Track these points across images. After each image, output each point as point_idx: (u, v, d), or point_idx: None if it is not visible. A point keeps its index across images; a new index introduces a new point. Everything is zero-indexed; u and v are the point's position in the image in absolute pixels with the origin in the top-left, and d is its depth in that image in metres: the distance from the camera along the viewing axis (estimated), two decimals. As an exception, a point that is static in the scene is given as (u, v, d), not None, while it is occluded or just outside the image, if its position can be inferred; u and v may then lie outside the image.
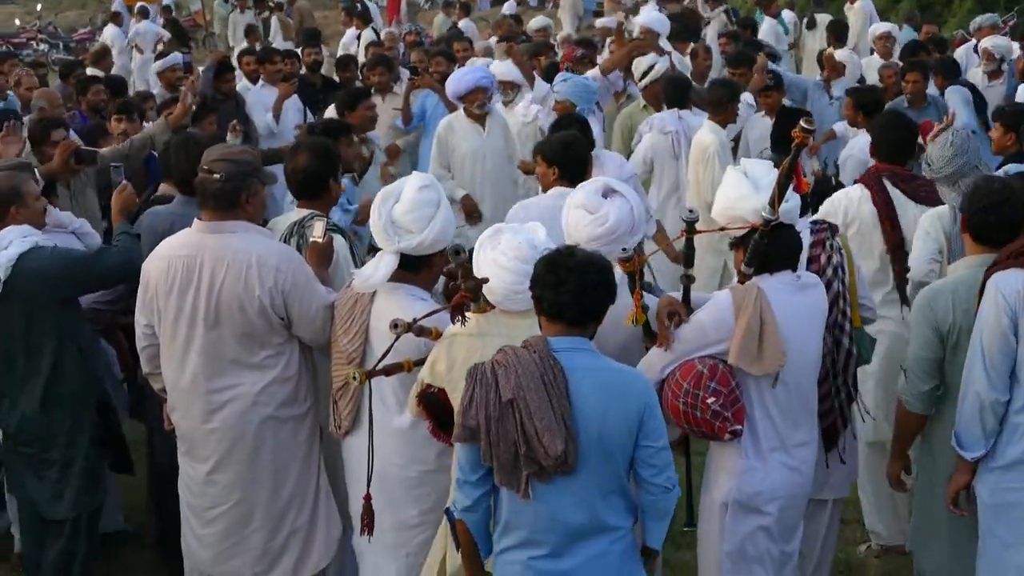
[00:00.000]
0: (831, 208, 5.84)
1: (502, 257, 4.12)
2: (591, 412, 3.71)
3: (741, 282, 4.49)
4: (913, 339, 4.63)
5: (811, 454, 4.58)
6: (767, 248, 4.43)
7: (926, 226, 5.40)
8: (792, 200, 4.48)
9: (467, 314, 4.16)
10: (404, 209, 4.51)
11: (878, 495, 5.94)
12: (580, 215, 4.56)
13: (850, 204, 5.82)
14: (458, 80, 8.80)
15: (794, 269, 4.52)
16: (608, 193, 4.61)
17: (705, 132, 8.37)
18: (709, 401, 4.22)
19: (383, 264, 4.50)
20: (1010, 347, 4.26)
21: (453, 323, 4.16)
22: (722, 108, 8.45)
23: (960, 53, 12.98)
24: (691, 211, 4.57)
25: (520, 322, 4.12)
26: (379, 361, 4.33)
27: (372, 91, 9.71)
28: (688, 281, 4.53)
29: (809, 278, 4.59)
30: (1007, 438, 4.33)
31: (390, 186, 4.68)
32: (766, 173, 4.55)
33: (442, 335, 4.26)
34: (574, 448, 3.67)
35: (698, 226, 4.50)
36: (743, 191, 4.50)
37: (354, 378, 4.20)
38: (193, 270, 4.70)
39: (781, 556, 4.57)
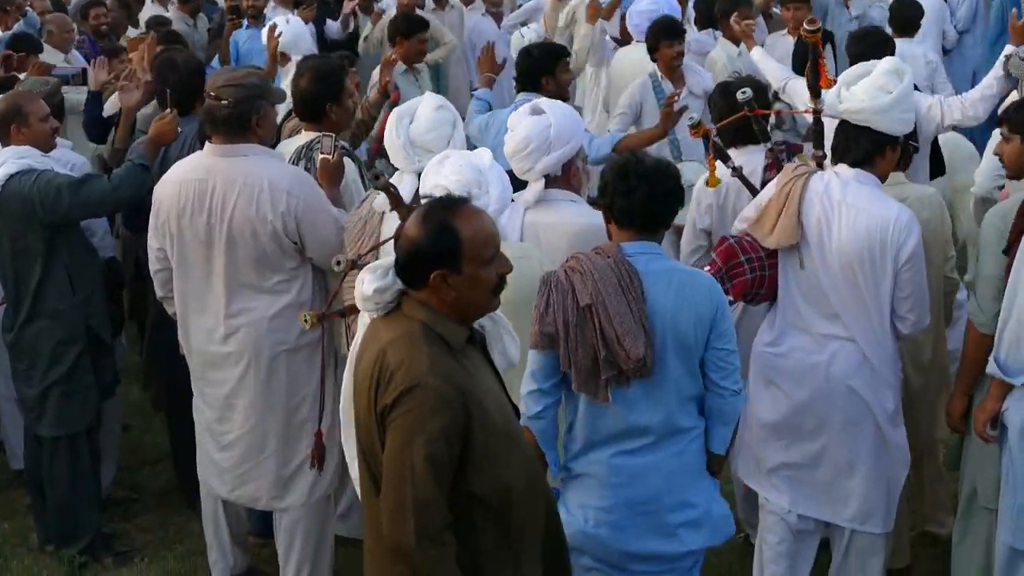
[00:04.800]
0: None
1: (444, 181, 4.04)
2: (665, 314, 3.74)
3: (816, 162, 4.61)
4: (984, 259, 4.44)
5: (850, 349, 4.43)
6: (822, 135, 4.59)
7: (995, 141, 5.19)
8: (874, 100, 4.39)
9: None
10: (422, 129, 4.47)
11: None
12: (507, 134, 4.66)
13: None
14: (643, 11, 8.33)
15: (856, 167, 4.45)
16: (535, 112, 4.64)
17: (715, 50, 8.50)
18: (706, 270, 4.34)
19: (403, 184, 4.46)
20: None
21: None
22: (726, 19, 8.48)
23: None
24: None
25: None
26: (330, 301, 4.38)
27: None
28: (739, 171, 4.93)
29: (886, 201, 4.46)
30: None
31: (403, 105, 4.63)
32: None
33: None
34: (651, 352, 3.70)
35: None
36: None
37: (305, 320, 4.18)
38: (205, 194, 4.66)
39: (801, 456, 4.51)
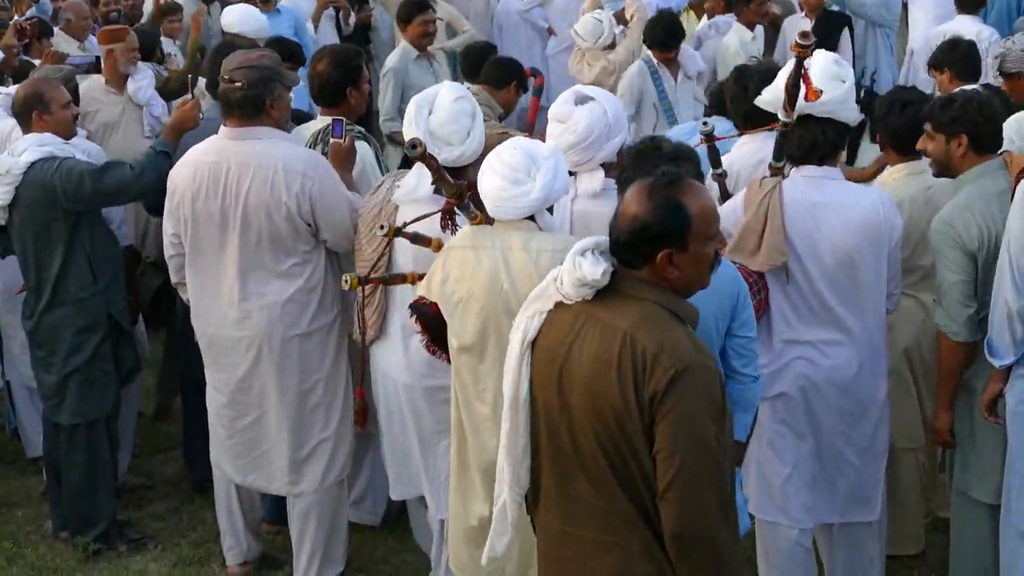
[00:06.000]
0: None
1: (496, 162, 3.91)
2: None
3: (773, 175, 4.46)
4: (941, 266, 4.45)
5: (849, 351, 4.41)
6: (786, 142, 4.42)
7: None
8: (833, 91, 4.33)
9: (465, 225, 4.07)
10: (442, 120, 4.40)
11: None
12: (553, 126, 4.49)
13: None
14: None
15: (823, 163, 4.41)
16: (582, 100, 4.49)
17: (729, 35, 8.39)
18: None
19: (423, 176, 4.36)
20: None
21: (443, 230, 4.09)
22: (742, 3, 8.43)
23: None
24: (705, 123, 4.89)
25: (515, 233, 3.92)
26: (372, 267, 4.36)
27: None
28: (721, 178, 4.87)
29: (861, 189, 4.46)
30: None
31: (421, 95, 4.55)
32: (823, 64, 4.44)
33: (443, 247, 4.12)
34: None
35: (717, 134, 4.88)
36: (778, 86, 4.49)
37: (345, 282, 4.18)
38: (219, 177, 4.65)
39: (807, 450, 4.48)
